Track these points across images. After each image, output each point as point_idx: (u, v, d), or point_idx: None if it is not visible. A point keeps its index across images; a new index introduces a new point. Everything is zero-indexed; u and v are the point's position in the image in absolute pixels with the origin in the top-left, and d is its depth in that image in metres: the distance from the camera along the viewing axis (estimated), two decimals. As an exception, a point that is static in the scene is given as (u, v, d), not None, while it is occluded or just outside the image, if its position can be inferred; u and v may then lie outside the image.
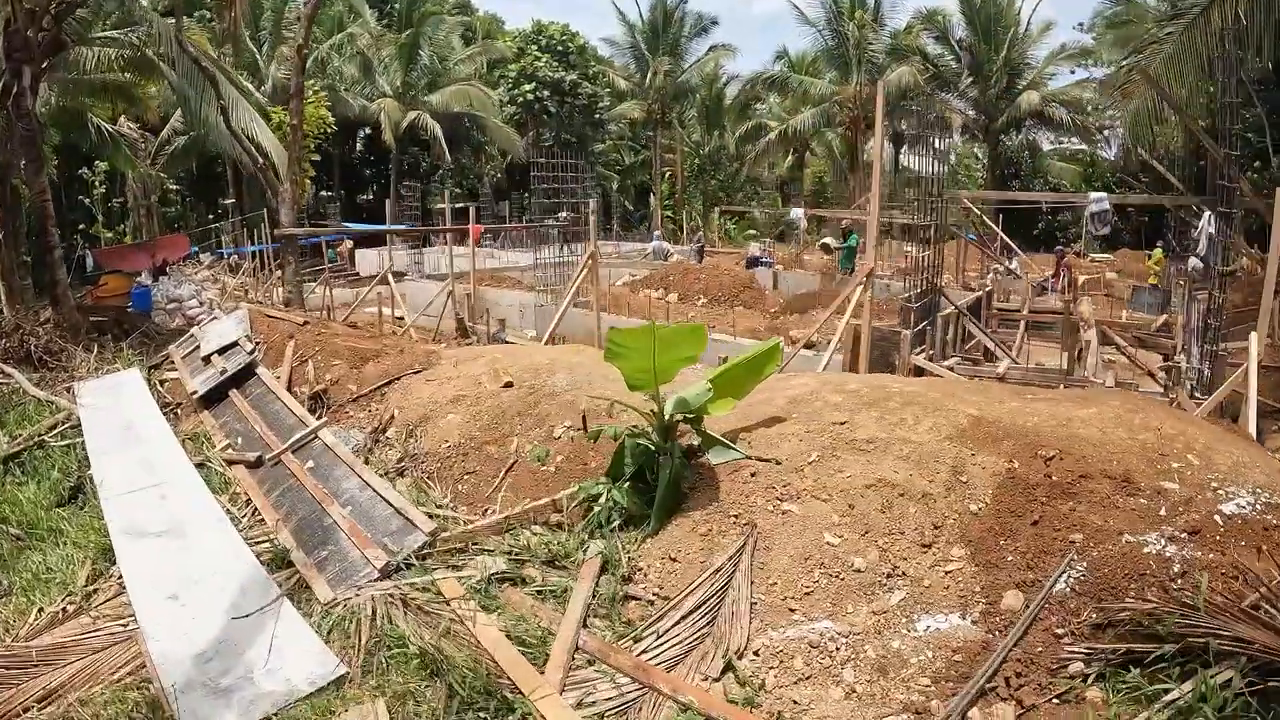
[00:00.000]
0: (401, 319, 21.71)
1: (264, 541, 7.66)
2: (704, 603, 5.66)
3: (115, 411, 11.40)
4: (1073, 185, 50.79)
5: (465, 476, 8.44)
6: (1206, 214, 19.52)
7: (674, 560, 6.23)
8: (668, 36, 52.51)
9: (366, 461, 8.99)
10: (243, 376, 11.34)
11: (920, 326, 15.79)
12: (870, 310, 13.66)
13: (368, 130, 45.15)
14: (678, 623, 5.59)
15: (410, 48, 42.70)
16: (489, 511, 7.74)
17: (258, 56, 37.14)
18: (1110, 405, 7.11)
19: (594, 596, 6.02)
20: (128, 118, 33.37)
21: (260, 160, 17.92)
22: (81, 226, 33.16)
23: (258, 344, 11.84)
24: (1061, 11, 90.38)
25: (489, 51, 47.73)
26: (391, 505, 7.52)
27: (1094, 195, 18.88)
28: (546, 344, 14.83)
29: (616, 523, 6.74)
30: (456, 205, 42.74)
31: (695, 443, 7.31)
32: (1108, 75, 50.13)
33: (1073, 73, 52.13)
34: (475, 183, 46.49)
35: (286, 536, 7.49)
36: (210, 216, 42.49)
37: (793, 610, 5.51)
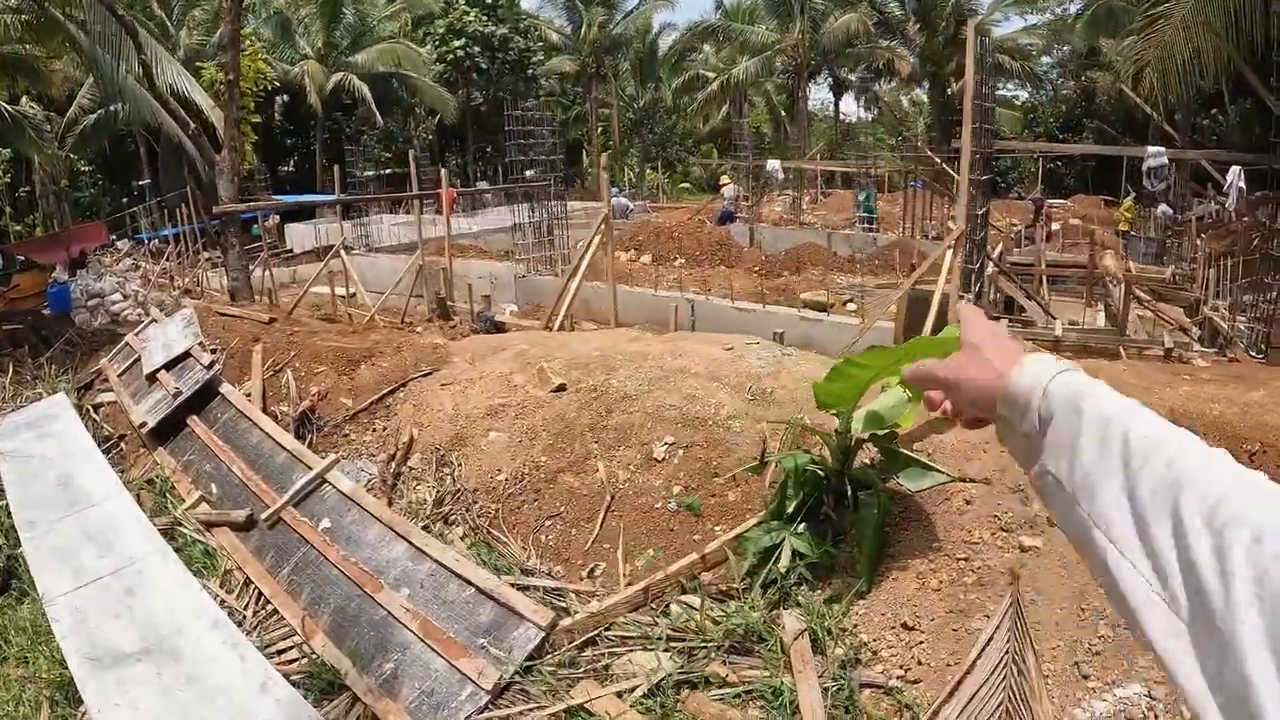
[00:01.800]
0: (353, 296, 19.32)
1: (288, 649, 5.48)
2: (981, 686, 4.00)
3: (44, 459, 8.83)
4: (1014, 131, 49.92)
5: (546, 523, 6.42)
6: (1235, 169, 18.64)
7: (910, 629, 4.77)
8: (601, -13, 49.85)
9: (389, 504, 6.83)
10: (202, 397, 8.95)
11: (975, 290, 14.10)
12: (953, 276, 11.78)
13: (286, 97, 41.80)
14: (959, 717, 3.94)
15: (332, 5, 39.38)
16: (595, 571, 5.89)
17: (167, 21, 33.82)
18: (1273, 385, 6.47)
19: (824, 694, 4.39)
20: (29, 97, 30.13)
21: (192, 125, 15.16)
22: (-14, 222, 29.90)
23: (216, 352, 9.43)
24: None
25: (414, 7, 44.42)
26: (474, 585, 5.40)
27: (1151, 149, 17.49)
28: (559, 329, 12.65)
29: (794, 579, 5.17)
30: (386, 171, 40.27)
31: (867, 462, 5.70)
32: (1052, 19, 49.69)
33: (1023, 18, 51.30)
34: (405, 146, 43.36)
35: (325, 644, 5.32)
36: (124, 200, 39.22)
37: (1086, 677, 4.28)
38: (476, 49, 43.75)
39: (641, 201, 41.37)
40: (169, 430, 8.81)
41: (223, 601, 6.03)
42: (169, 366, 9.60)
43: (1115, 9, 37.51)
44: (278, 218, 37.52)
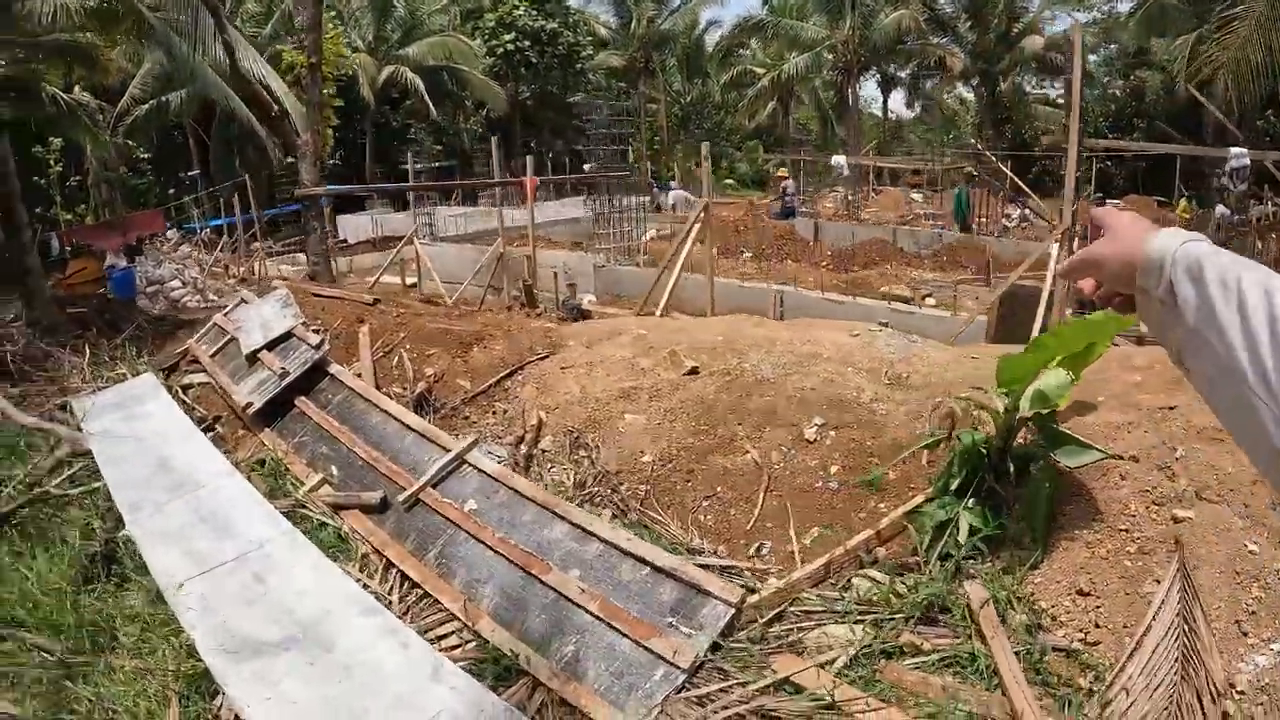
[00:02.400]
0: (412, 287, 19.02)
1: (448, 635, 5.14)
2: (1159, 643, 4.36)
3: (138, 440, 8.41)
4: (1059, 130, 48.93)
5: (703, 503, 6.16)
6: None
7: (1085, 594, 4.83)
8: (650, -19, 49.45)
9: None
10: (308, 378, 8.65)
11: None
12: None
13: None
14: (1141, 673, 4.26)
15: (383, -1, 39.40)
16: (761, 550, 5.77)
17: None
18: None
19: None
20: (82, 86, 30.06)
21: (275, 107, 14.86)
22: (38, 209, 29.75)
23: (322, 333, 9.12)
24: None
25: (464, 1, 44.31)
26: (651, 565, 5.09)
27: (1234, 150, 16.97)
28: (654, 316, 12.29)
29: (962, 553, 5.21)
30: (436, 165, 40.02)
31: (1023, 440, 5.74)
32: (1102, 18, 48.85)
33: (1070, 16, 50.51)
34: (455, 140, 43.22)
35: (494, 629, 4.97)
36: (171, 191, 39.22)
37: (1245, 634, 4.41)
38: (526, 43, 43.53)
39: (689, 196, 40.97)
40: (274, 412, 8.49)
41: (364, 586, 5.69)
42: (270, 346, 9.32)
43: (1168, 7, 36.87)
44: (329, 208, 37.46)
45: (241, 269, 30.04)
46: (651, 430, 7.00)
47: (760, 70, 51.88)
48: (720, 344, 8.16)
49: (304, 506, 6.78)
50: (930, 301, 17.30)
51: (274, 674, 4.91)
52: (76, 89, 28.51)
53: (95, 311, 14.73)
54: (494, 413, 7.81)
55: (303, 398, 8.41)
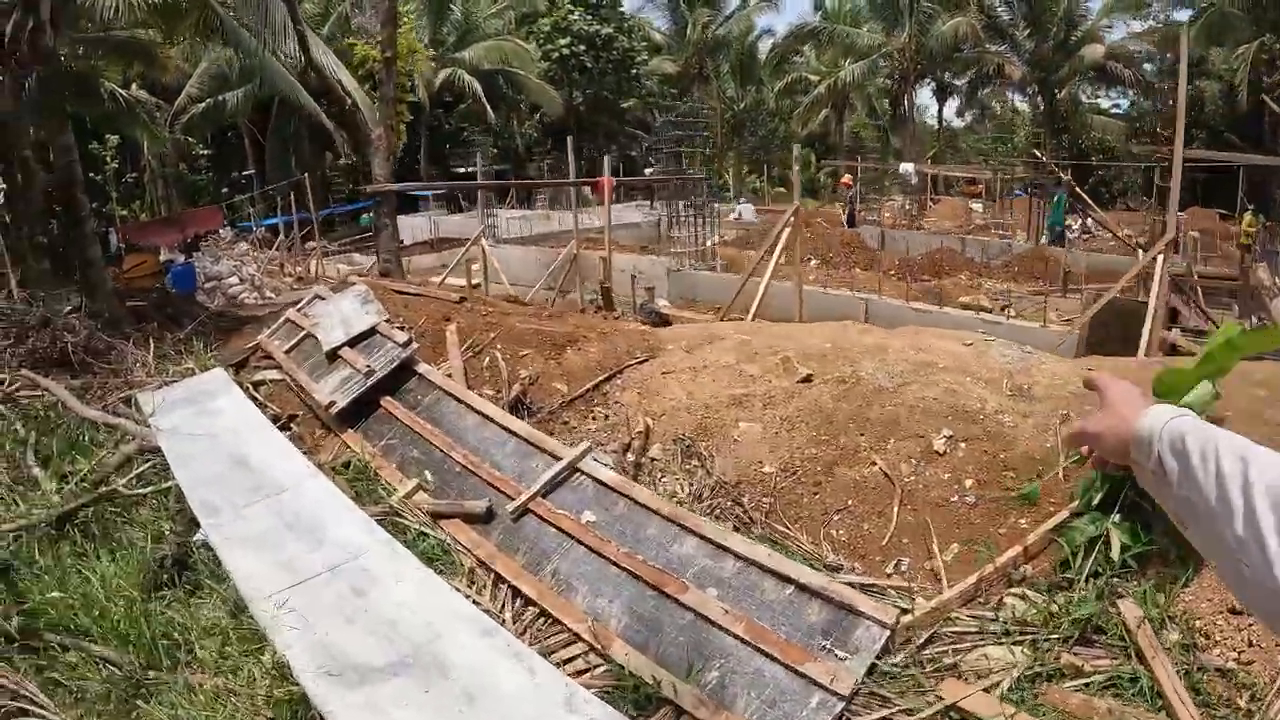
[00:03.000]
0: (477, 287, 18.66)
1: (576, 659, 4.71)
2: None
3: (211, 436, 7.96)
4: (1118, 141, 48.01)
5: (835, 517, 5.80)
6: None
7: (1238, 613, 4.61)
8: (705, -14, 49.06)
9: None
10: (393, 378, 8.27)
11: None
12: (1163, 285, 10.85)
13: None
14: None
15: (439, 1, 39.25)
16: (900, 566, 5.48)
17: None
18: None
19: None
20: (139, 84, 30.12)
21: (350, 99, 14.53)
22: (94, 205, 29.80)
23: (408, 330, 8.73)
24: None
25: (519, 5, 44.13)
26: (795, 583, 4.73)
27: None
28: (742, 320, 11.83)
29: (1113, 570, 4.98)
30: (494, 168, 39.81)
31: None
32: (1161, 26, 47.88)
33: (1126, 25, 49.62)
34: (510, 143, 43.08)
35: (628, 652, 4.53)
36: (224, 190, 39.38)
37: None
38: (581, 47, 43.34)
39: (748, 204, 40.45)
40: (357, 412, 8.11)
41: (474, 603, 5.27)
42: (353, 344, 8.96)
43: (1229, 16, 36.03)
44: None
45: (299, 268, 30.06)
46: (769, 440, 6.61)
47: (814, 78, 51.38)
48: (830, 351, 7.75)
49: (399, 514, 6.33)
50: (1010, 312, 16.70)
51: (384, 702, 4.47)
52: (134, 86, 28.57)
53: (155, 305, 14.47)
54: (593, 418, 7.38)
55: (389, 398, 8.03)
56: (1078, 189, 31.73)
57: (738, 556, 5.03)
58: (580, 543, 5.42)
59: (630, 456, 6.61)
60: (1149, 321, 11.17)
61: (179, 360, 10.93)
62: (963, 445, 6.13)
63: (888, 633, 4.50)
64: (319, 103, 25.85)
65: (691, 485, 6.26)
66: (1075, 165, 34.48)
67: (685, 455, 6.62)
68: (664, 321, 13.07)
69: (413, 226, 30.77)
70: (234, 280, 25.71)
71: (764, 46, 55.08)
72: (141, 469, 7.61)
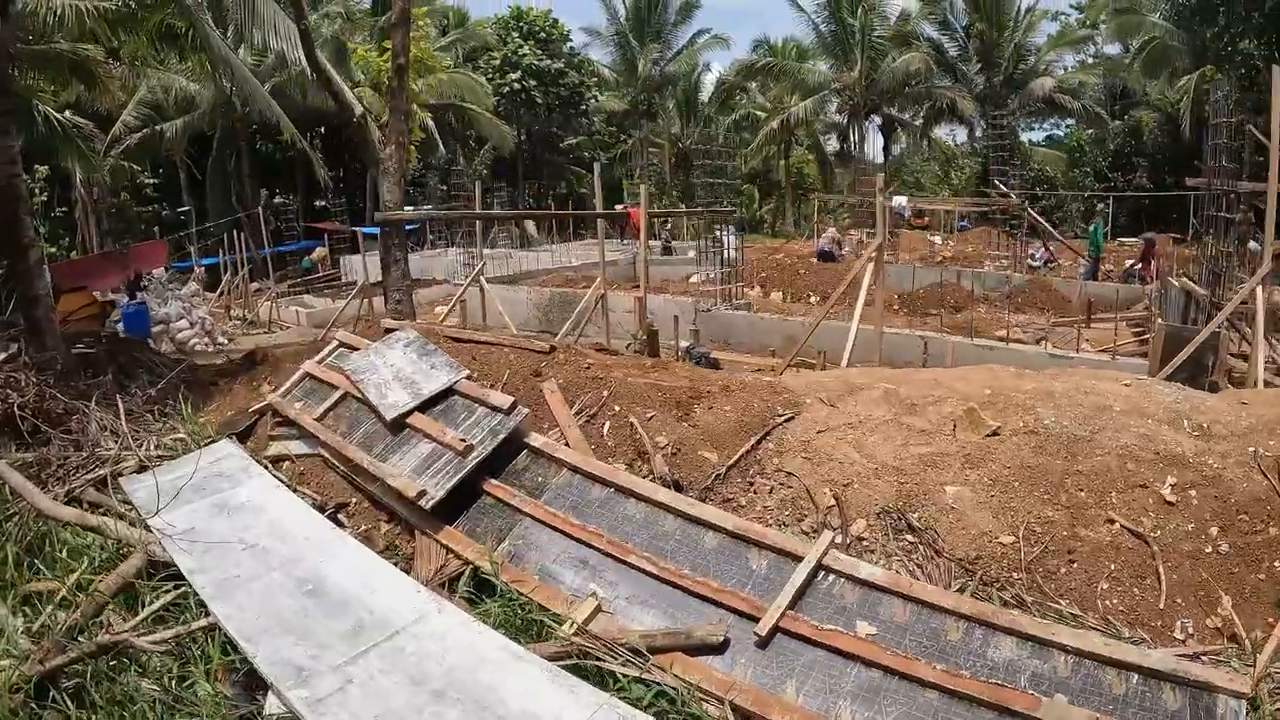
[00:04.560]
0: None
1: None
2: None
3: (251, 546, 6.01)
4: (1059, 171, 48.54)
5: (1102, 586, 5.24)
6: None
7: None
8: (653, 23, 48.37)
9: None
10: (494, 455, 6.74)
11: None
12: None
13: (323, 128, 39.60)
14: None
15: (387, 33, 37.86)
16: (1187, 627, 5.04)
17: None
18: None
19: None
20: (71, 110, 28.11)
21: (360, 110, 12.78)
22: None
23: (514, 398, 7.23)
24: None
25: (469, 39, 42.87)
26: (1139, 667, 4.18)
27: None
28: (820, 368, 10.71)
29: None
30: (448, 206, 38.25)
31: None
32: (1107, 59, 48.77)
33: (1062, 58, 50.49)
34: (460, 178, 41.66)
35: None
36: (155, 228, 37.19)
37: None
38: (532, 82, 42.29)
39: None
40: (450, 502, 6.47)
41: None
42: (424, 408, 7.50)
43: (1169, 49, 36.60)
44: (325, 250, 35.58)
45: (247, 311, 28.16)
46: (988, 504, 5.76)
47: (761, 114, 51.16)
48: (994, 398, 6.94)
49: (589, 653, 4.71)
50: (1045, 345, 15.96)
51: None
52: (67, 112, 26.53)
53: (106, 353, 12.34)
54: (759, 491, 6.16)
55: (494, 481, 6.58)
56: (1039, 219, 31.67)
57: (1066, 650, 4.29)
58: (874, 665, 4.23)
59: (835, 537, 5.41)
60: (1257, 352, 10.55)
61: (161, 428, 8.98)
62: (1192, 493, 5.74)
63: (1244, 704, 4.06)
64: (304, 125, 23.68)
65: (920, 566, 5.18)
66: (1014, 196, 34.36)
67: (896, 531, 5.52)
68: (715, 366, 11.88)
69: (357, 267, 28.88)
70: (183, 324, 23.87)
71: (709, 80, 54.93)
72: (157, 603, 5.46)
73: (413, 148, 24.38)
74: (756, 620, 4.69)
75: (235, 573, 5.65)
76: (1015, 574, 5.26)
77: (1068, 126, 54.14)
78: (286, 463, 7.96)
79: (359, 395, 8.07)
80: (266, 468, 7.73)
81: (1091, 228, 26.75)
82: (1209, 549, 5.42)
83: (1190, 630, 5.04)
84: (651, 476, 6.22)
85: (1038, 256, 29.16)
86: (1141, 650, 4.35)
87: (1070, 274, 26.83)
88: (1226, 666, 4.61)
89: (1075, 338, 15.78)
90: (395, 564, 6.07)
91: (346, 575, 5.65)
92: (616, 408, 7.09)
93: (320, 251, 35.94)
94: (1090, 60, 51.79)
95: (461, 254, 26.19)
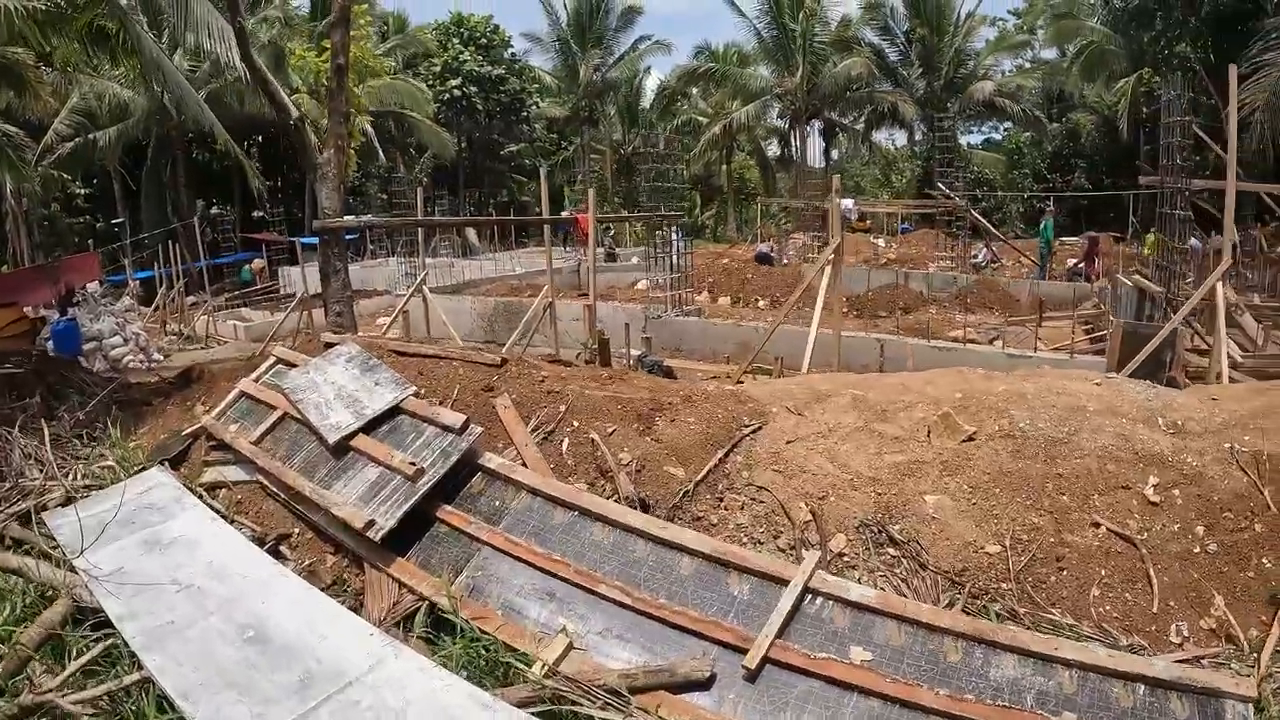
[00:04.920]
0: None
1: None
2: None
3: (185, 587, 5.51)
4: (998, 173, 49.24)
5: (1094, 593, 5.14)
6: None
7: None
8: (594, 29, 48.02)
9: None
10: (446, 479, 6.32)
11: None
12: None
13: (260, 137, 38.76)
14: None
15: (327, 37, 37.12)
16: (1183, 632, 4.96)
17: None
18: None
19: None
20: (1, 117, 27.11)
21: (296, 113, 12.21)
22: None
23: (438, 405, 6.92)
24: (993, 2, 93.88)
25: (409, 45, 42.17)
26: (1144, 677, 4.12)
27: None
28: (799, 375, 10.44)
29: None
30: (388, 214, 37.57)
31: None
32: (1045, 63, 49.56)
33: (1020, 63, 51.34)
34: (401, 186, 40.98)
35: None
36: (89, 241, 36.11)
37: None
38: (473, 88, 41.76)
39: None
40: (402, 532, 6.03)
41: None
42: (369, 429, 7.05)
43: (1106, 53, 37.16)
44: (263, 262, 34.85)
45: (183, 325, 27.32)
46: (970, 513, 5.58)
47: (703, 119, 51.15)
48: (965, 401, 6.76)
49: (563, 696, 4.32)
50: (999, 344, 15.92)
51: None
52: (-2, 120, 25.54)
53: (34, 373, 11.29)
54: (726, 507, 5.85)
55: (447, 507, 6.17)
56: (983, 220, 31.96)
57: (1070, 665, 4.15)
58: (873, 694, 3.94)
59: (804, 549, 5.14)
60: (1220, 347, 10.53)
61: (90, 455, 8.33)
62: (1175, 492, 5.69)
63: (1251, 706, 4.03)
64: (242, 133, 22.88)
65: (906, 580, 4.92)
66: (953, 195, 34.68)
67: (878, 544, 5.25)
68: (670, 375, 11.56)
69: (297, 279, 28.13)
70: (117, 340, 22.99)
71: (650, 86, 54.77)
72: (84, 657, 4.95)
73: (352, 152, 23.60)
74: (744, 651, 4.39)
75: (169, 618, 5.14)
76: (1004, 584, 5.11)
77: (1006, 129, 55.30)
78: (223, 490, 7.41)
79: (298, 416, 7.58)
80: (201, 497, 7.21)
81: (1043, 225, 26.95)
82: (1197, 549, 5.36)
83: (1185, 633, 4.98)
84: (616, 496, 5.87)
85: (981, 257, 29.47)
86: (1146, 660, 4.27)
87: (1017, 274, 27.05)
88: (1227, 669, 4.58)
89: (1030, 337, 15.73)
90: (344, 602, 5.64)
91: (291, 618, 5.16)
92: (575, 423, 6.73)
93: (258, 263, 35.17)
94: (1028, 64, 52.59)
95: (403, 264, 25.66)
